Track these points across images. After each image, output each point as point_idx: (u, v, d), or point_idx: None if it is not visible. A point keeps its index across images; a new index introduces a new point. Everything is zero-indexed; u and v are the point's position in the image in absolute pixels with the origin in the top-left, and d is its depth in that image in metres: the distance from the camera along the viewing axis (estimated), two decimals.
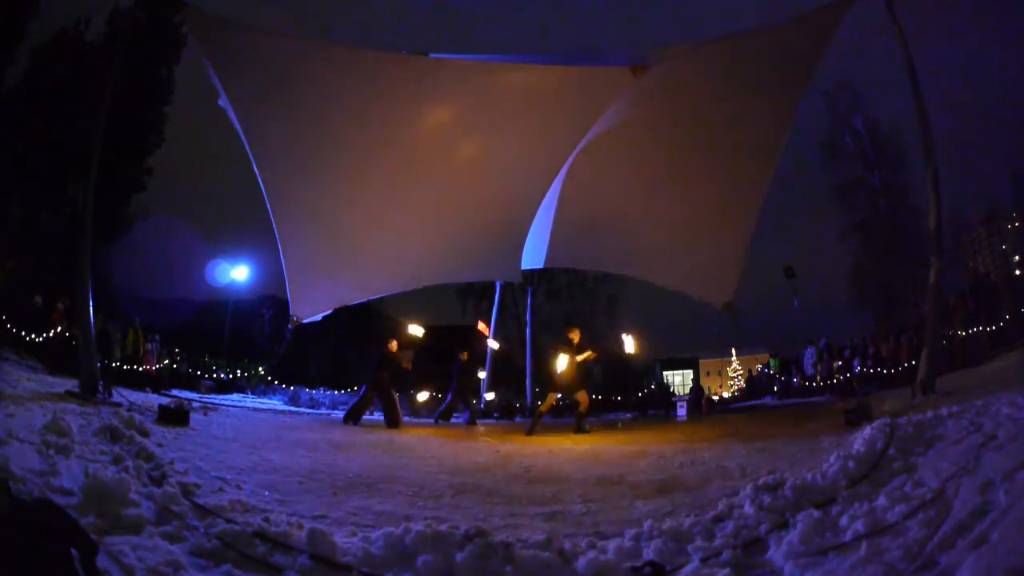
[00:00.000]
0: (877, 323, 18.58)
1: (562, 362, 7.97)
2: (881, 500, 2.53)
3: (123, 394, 6.85)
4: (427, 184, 9.64)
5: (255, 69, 7.79)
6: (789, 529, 2.39)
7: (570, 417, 9.07)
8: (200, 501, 2.79)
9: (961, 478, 2.54)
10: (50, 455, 3.12)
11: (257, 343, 21.61)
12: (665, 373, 34.49)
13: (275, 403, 12.63)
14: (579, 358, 8.05)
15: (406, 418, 10.15)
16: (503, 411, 13.34)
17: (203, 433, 5.41)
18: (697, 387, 19.61)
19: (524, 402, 14.71)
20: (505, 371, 17.17)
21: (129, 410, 5.58)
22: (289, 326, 11.16)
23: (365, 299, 11.25)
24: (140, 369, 10.99)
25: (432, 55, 7.92)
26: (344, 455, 5.10)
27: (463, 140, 9.39)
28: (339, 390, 14.80)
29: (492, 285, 15.06)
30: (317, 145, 8.69)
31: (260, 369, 18.42)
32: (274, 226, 9.20)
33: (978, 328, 10.23)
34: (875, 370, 11.71)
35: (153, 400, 7.20)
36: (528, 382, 15.58)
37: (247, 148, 8.48)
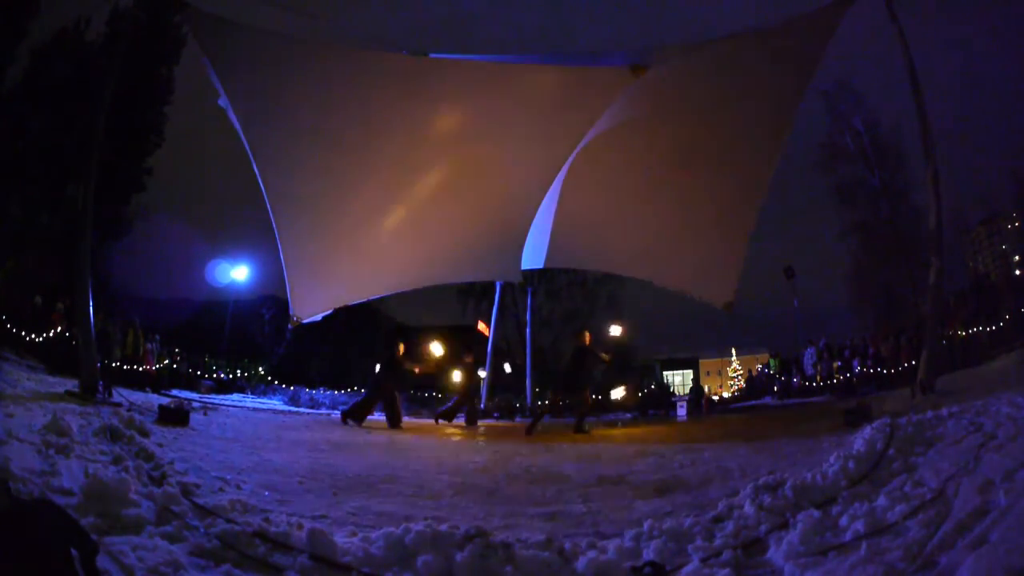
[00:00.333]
0: (877, 323, 18.57)
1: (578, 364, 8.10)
2: (881, 500, 2.53)
3: (123, 394, 6.85)
4: (427, 184, 9.65)
5: (255, 69, 7.80)
6: (789, 529, 2.39)
7: (570, 417, 9.07)
8: (200, 501, 2.79)
9: (961, 478, 2.54)
10: (50, 455, 3.12)
11: (257, 343, 21.59)
12: (665, 373, 34.44)
13: (275, 403, 12.62)
14: (604, 356, 8.19)
15: (406, 418, 10.15)
16: (503, 411, 13.33)
17: (203, 433, 5.41)
18: (697, 387, 19.61)
19: (524, 402, 14.70)
20: (505, 371, 17.16)
21: (129, 410, 5.59)
22: (289, 326, 11.16)
23: (365, 299, 11.25)
24: (140, 369, 10.98)
25: (432, 55, 7.92)
26: (344, 455, 5.10)
27: (463, 140, 9.39)
28: (339, 390, 14.79)
29: (492, 285, 15.05)
30: (317, 145, 8.69)
31: (260, 369, 18.40)
32: (274, 226, 9.20)
33: (978, 328, 10.23)
34: (875, 370, 11.71)
35: (153, 400, 7.21)
36: (528, 382, 15.57)
37: (247, 148, 8.47)
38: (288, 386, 14.50)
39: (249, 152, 8.51)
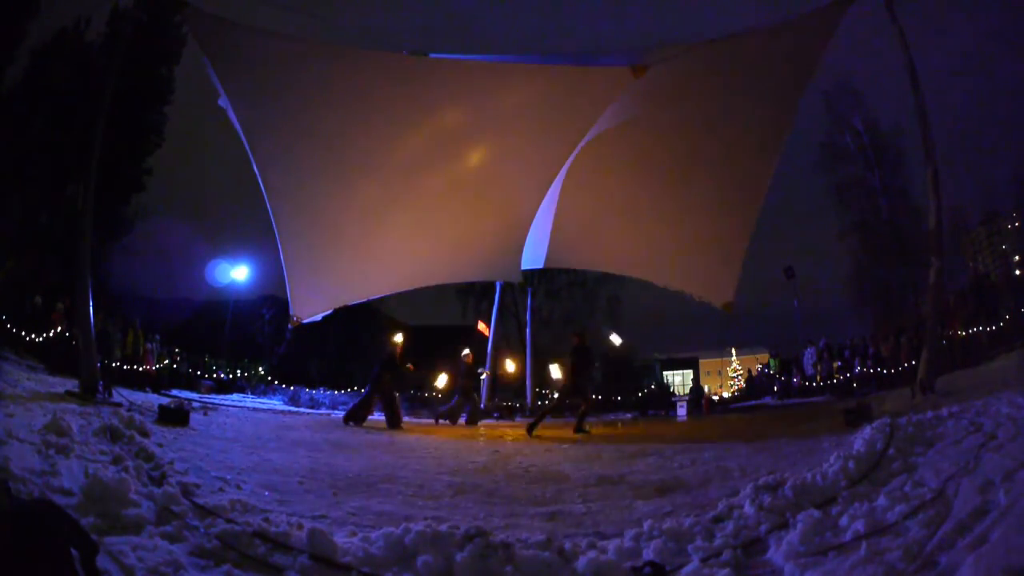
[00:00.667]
0: (877, 323, 18.56)
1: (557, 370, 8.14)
2: (881, 500, 2.53)
3: (123, 394, 6.85)
4: (427, 184, 9.65)
5: (255, 69, 7.79)
6: (789, 529, 2.39)
7: (571, 417, 9.08)
8: (200, 501, 2.79)
9: (961, 478, 2.54)
10: (50, 455, 3.12)
11: (257, 343, 21.59)
12: (665, 373, 34.44)
13: (275, 403, 12.62)
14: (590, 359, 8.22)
15: (406, 418, 10.15)
16: (503, 411, 13.33)
17: (203, 433, 5.41)
18: (697, 387, 19.60)
19: (524, 402, 14.70)
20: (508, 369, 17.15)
21: (129, 410, 5.59)
22: (289, 326, 11.15)
23: (365, 299, 11.25)
24: (140, 369, 10.98)
25: (432, 55, 7.92)
26: (344, 455, 5.10)
27: (463, 140, 9.39)
28: (339, 390, 14.79)
29: (492, 285, 15.05)
30: (317, 145, 8.69)
31: (260, 369, 18.40)
32: (274, 226, 9.20)
33: (978, 328, 10.23)
34: (875, 370, 11.71)
35: (153, 400, 7.21)
36: (528, 382, 15.56)
37: (247, 148, 8.47)
38: (288, 386, 14.50)
39: (249, 152, 8.50)
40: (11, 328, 9.28)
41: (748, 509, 2.66)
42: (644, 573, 2.13)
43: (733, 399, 18.47)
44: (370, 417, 8.78)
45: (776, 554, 2.24)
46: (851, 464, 3.07)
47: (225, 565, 2.14)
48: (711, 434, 6.82)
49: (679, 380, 34.03)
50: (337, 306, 10.50)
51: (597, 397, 15.37)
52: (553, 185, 10.09)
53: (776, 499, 2.72)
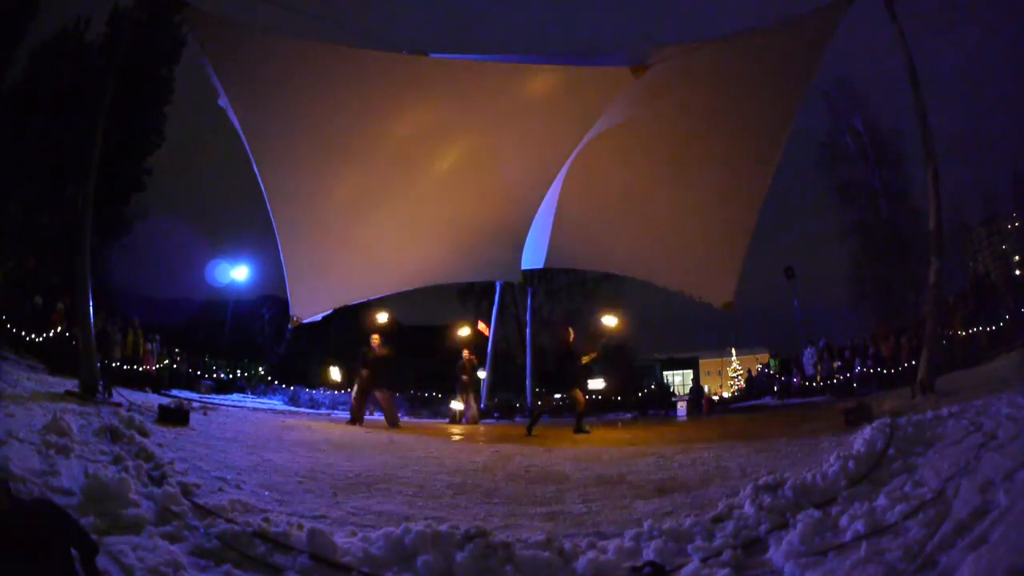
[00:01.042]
0: (877, 323, 18.53)
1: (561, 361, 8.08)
2: (881, 500, 2.53)
3: (123, 394, 6.85)
4: (427, 184, 9.64)
5: (255, 69, 7.79)
6: (789, 529, 2.39)
7: (570, 416, 9.07)
8: (200, 501, 2.79)
9: (961, 478, 2.54)
10: (50, 455, 3.12)
11: (257, 343, 21.59)
12: (665, 373, 34.46)
13: (275, 403, 12.62)
14: (585, 359, 8.12)
15: (406, 418, 10.16)
16: (503, 411, 13.33)
17: (203, 433, 5.41)
18: (697, 387, 19.58)
19: (524, 402, 14.70)
20: (505, 371, 17.15)
21: (129, 410, 5.59)
22: (289, 326, 11.13)
23: (365, 299, 11.24)
24: (140, 369, 10.98)
25: (432, 55, 7.92)
26: (344, 455, 5.10)
27: (463, 140, 9.39)
28: (339, 390, 14.79)
29: (492, 285, 15.03)
30: (317, 145, 8.68)
31: (260, 369, 18.40)
32: (274, 226, 9.20)
33: (978, 328, 10.22)
34: (875, 370, 11.70)
35: (153, 400, 7.20)
36: (528, 382, 15.56)
37: (247, 148, 8.47)
38: (288, 386, 14.49)
39: (249, 152, 8.50)
40: (11, 328, 9.27)
41: (748, 509, 2.67)
42: (644, 573, 2.13)
43: (733, 399, 18.45)
44: (368, 417, 8.79)
45: (776, 554, 2.25)
46: (851, 464, 3.07)
47: (225, 565, 2.14)
48: (711, 434, 6.81)
49: (679, 380, 34.04)
50: (337, 306, 10.50)
51: (597, 397, 15.38)
52: (553, 185, 10.08)
53: (776, 499, 2.72)
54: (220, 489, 3.21)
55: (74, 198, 15.16)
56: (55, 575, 1.64)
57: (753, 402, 15.46)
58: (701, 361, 36.64)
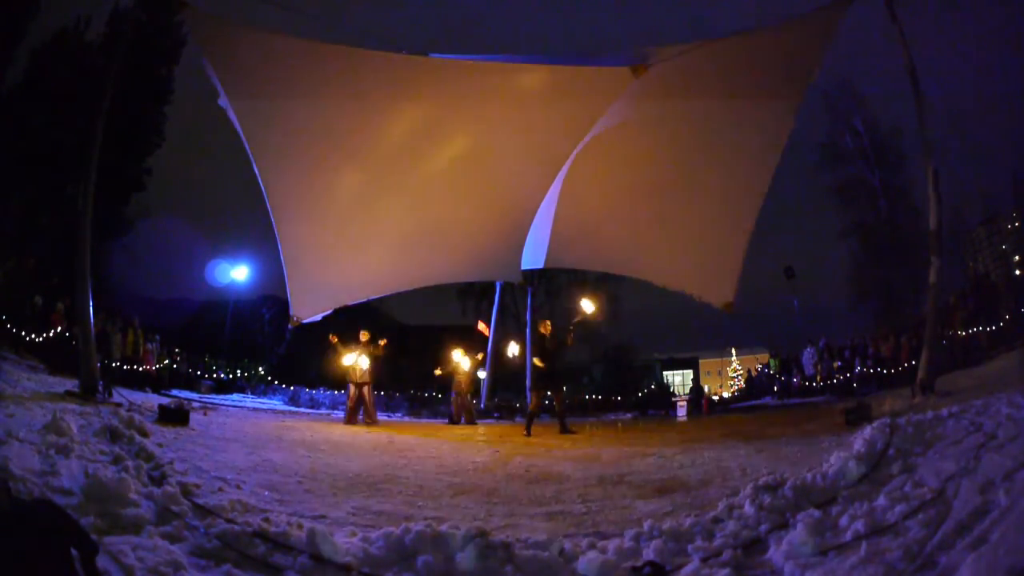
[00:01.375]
0: (877, 323, 18.55)
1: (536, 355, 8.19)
2: (881, 500, 2.53)
3: (123, 394, 6.85)
4: (428, 184, 9.65)
5: (255, 69, 7.79)
6: (789, 529, 2.39)
7: (568, 417, 9.05)
8: (200, 501, 2.79)
9: (961, 478, 2.54)
10: (50, 455, 3.12)
11: (257, 343, 21.59)
12: (665, 373, 34.43)
13: (275, 403, 12.62)
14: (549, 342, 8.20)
15: (406, 418, 10.16)
16: (503, 411, 13.32)
17: (203, 433, 5.41)
18: (697, 387, 19.59)
19: (524, 402, 14.70)
20: (505, 371, 17.15)
21: (129, 410, 5.59)
22: (289, 326, 11.13)
23: (365, 299, 11.24)
24: (140, 369, 10.98)
25: (432, 55, 7.92)
26: (344, 455, 5.11)
27: (463, 140, 9.39)
28: (339, 390, 14.78)
29: (492, 285, 15.03)
30: (317, 145, 8.68)
31: (260, 369, 18.40)
32: (274, 226, 9.20)
33: (978, 328, 10.22)
34: (875, 370, 11.70)
35: (153, 400, 7.20)
36: (528, 382, 15.57)
37: (247, 148, 8.47)
38: (288, 386, 14.49)
39: (249, 152, 8.50)
40: (11, 328, 9.27)
41: (748, 509, 2.67)
42: (644, 573, 2.13)
43: (733, 399, 18.46)
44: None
45: (776, 554, 2.25)
46: (851, 464, 3.08)
47: (225, 565, 2.14)
48: (711, 434, 6.81)
49: (679, 380, 34.04)
50: (337, 306, 10.50)
51: (596, 396, 15.36)
52: (553, 185, 10.09)
53: (776, 499, 2.72)
54: (220, 489, 3.21)
55: (74, 198, 15.15)
56: (55, 575, 1.64)
57: (753, 402, 15.46)
58: (701, 361, 36.63)
